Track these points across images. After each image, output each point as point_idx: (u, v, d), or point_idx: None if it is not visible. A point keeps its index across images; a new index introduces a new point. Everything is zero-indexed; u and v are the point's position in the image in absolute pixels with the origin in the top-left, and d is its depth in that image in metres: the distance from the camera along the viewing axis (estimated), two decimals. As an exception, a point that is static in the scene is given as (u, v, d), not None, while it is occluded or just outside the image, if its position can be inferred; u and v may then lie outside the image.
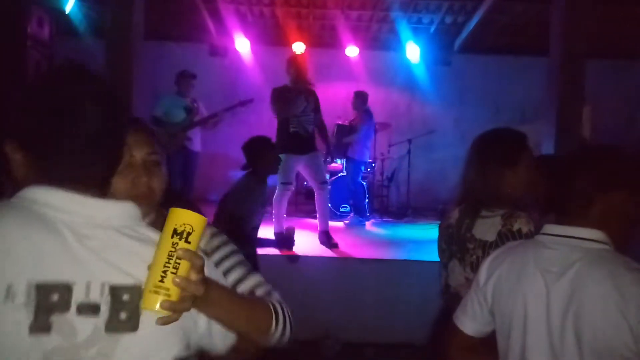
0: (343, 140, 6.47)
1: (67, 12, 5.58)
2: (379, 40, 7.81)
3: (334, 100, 7.63)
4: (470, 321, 1.45)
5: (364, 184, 6.51)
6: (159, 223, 1.03)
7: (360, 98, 6.53)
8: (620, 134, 6.54)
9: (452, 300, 1.85)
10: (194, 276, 0.86)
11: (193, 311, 0.92)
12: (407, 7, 6.90)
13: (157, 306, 0.84)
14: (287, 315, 1.15)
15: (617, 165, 1.33)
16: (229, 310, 1.00)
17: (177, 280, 0.84)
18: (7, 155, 0.90)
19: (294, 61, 5.06)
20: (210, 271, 0.98)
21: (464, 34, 7.46)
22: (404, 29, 7.29)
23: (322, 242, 4.80)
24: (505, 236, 1.75)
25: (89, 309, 0.84)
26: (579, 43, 4.45)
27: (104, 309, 0.85)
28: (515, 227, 1.75)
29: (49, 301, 0.82)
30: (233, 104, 5.98)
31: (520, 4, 6.55)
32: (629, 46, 6.83)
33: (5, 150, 0.90)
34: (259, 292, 1.24)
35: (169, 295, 0.84)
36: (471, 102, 7.76)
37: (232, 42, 7.54)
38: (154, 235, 0.92)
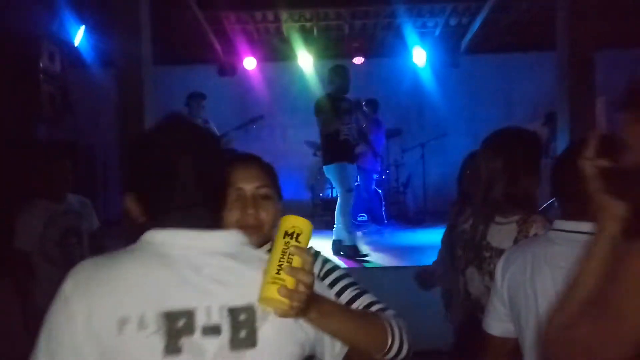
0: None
1: (76, 44, 5.70)
2: (385, 47, 7.83)
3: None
4: (496, 322, 1.46)
5: (380, 191, 6.49)
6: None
7: (370, 106, 6.53)
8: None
9: (473, 307, 1.83)
10: (306, 266, 0.96)
11: (303, 323, 1.01)
12: (411, 12, 6.92)
13: (276, 293, 0.94)
14: (403, 331, 1.17)
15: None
16: (344, 323, 1.07)
17: (290, 269, 0.95)
18: (128, 207, 1.06)
19: (338, 71, 5.08)
20: (322, 290, 1.08)
21: (470, 34, 7.44)
22: (409, 34, 7.30)
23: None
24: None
25: (212, 330, 0.95)
26: (586, 36, 4.41)
27: (225, 329, 0.96)
28: (532, 232, 1.71)
29: (176, 327, 0.94)
30: (244, 122, 6.04)
31: (524, 1, 6.52)
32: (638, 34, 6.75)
33: (127, 203, 1.05)
34: (373, 309, 1.26)
35: (285, 286, 0.94)
36: (482, 102, 7.72)
37: (240, 61, 7.63)
38: (261, 255, 1.04)
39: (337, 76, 5.01)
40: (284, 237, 1.00)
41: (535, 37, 6.97)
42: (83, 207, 3.14)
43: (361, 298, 1.30)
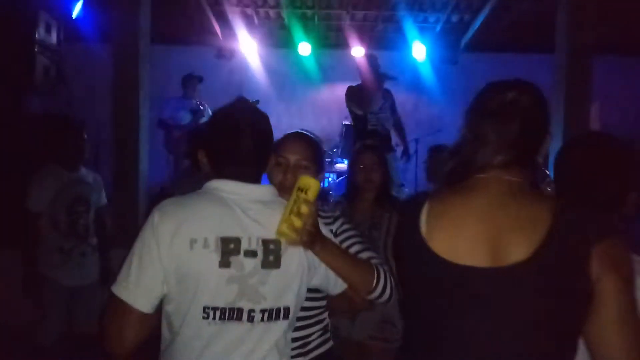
0: (351, 140, 6.46)
1: (74, 17, 5.62)
2: (385, 40, 7.80)
3: (340, 101, 7.62)
4: None
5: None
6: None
7: None
8: (628, 130, 6.48)
9: None
10: (310, 212, 1.35)
11: (315, 259, 1.43)
12: (413, 6, 6.89)
13: (286, 229, 1.33)
14: (389, 278, 1.54)
15: (636, 166, 1.32)
16: (341, 260, 1.47)
17: (298, 213, 1.33)
18: (199, 159, 1.48)
19: (370, 60, 5.05)
20: (329, 235, 1.53)
21: (471, 32, 7.43)
22: (410, 28, 7.28)
23: None
24: None
25: (251, 253, 1.36)
26: (585, 39, 4.42)
27: (259, 254, 1.36)
28: None
29: (228, 248, 1.34)
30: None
31: (526, 2, 6.51)
32: (637, 42, 6.78)
33: (199, 156, 1.48)
34: (372, 261, 1.60)
35: (293, 224, 1.33)
36: (478, 101, 7.73)
37: (239, 44, 7.57)
38: (286, 204, 1.41)
39: (369, 65, 5.01)
40: (297, 191, 1.36)
41: (535, 39, 6.97)
42: (94, 181, 3.23)
43: (364, 252, 1.68)
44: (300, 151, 1.72)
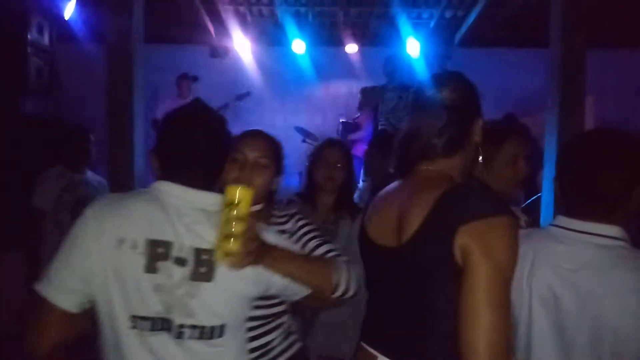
0: (348, 138, 6.46)
1: (66, 18, 5.59)
2: (379, 36, 7.79)
3: (335, 98, 7.62)
4: None
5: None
6: (264, 212, 1.61)
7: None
8: (623, 124, 6.50)
9: None
10: (245, 233, 1.19)
11: (261, 269, 1.29)
12: (407, 2, 6.88)
13: (220, 256, 1.20)
14: (349, 271, 1.44)
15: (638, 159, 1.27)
16: (296, 266, 1.34)
17: (232, 237, 1.18)
18: (151, 163, 1.39)
19: (388, 60, 5.04)
20: (278, 240, 1.38)
21: (464, 28, 7.43)
22: (403, 25, 7.26)
23: None
24: None
25: (181, 261, 1.25)
26: (579, 34, 4.42)
27: (190, 263, 1.25)
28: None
29: (157, 252, 1.24)
30: (230, 99, 6.00)
31: (519, -3, 6.52)
32: (631, 35, 6.79)
33: (151, 161, 1.39)
34: (330, 255, 1.55)
35: (230, 249, 1.18)
36: (473, 96, 7.74)
37: (232, 42, 7.54)
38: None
39: (386, 66, 5.01)
40: (225, 208, 1.20)
41: (529, 34, 6.98)
42: (99, 185, 3.34)
43: (322, 247, 1.62)
44: (261, 148, 1.63)
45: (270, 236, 1.36)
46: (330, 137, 2.78)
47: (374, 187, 3.65)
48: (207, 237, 1.26)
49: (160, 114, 5.96)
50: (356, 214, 2.36)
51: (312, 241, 1.65)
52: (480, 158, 1.71)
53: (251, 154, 1.62)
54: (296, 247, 1.48)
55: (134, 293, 1.23)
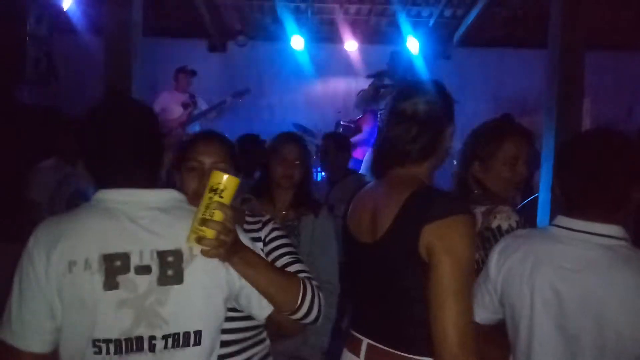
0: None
1: (65, 9, 5.57)
2: (378, 34, 7.78)
3: (333, 95, 7.62)
4: (480, 310, 1.43)
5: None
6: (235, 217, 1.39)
7: None
8: (620, 125, 6.52)
9: None
10: (225, 220, 1.14)
11: (232, 271, 1.22)
12: (406, 0, 6.88)
13: (193, 240, 1.14)
14: (317, 295, 1.34)
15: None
16: (263, 274, 1.25)
17: (209, 222, 1.12)
18: (85, 171, 1.29)
19: (393, 58, 5.07)
20: (251, 246, 1.30)
21: (463, 27, 7.43)
22: (403, 23, 7.25)
23: None
24: (483, 235, 1.69)
25: (144, 270, 1.16)
26: (578, 35, 4.43)
27: (155, 269, 1.17)
28: (494, 224, 1.67)
29: (114, 266, 1.15)
30: (230, 94, 5.99)
31: (519, -3, 6.53)
32: (628, 37, 6.81)
33: (82, 167, 1.23)
34: (300, 276, 1.40)
35: (204, 235, 1.13)
36: (471, 96, 7.74)
37: (231, 38, 7.52)
38: (194, 210, 1.20)
39: (390, 63, 5.04)
40: (209, 192, 1.15)
41: (528, 34, 6.99)
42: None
43: (294, 265, 1.49)
44: (216, 152, 1.52)
45: (244, 239, 1.29)
46: (287, 132, 2.61)
47: None
48: (169, 236, 1.19)
49: (158, 107, 5.94)
50: (318, 209, 2.38)
51: (285, 257, 1.52)
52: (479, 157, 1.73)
53: (207, 160, 1.51)
54: (267, 258, 1.39)
55: (93, 315, 1.13)
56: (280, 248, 1.55)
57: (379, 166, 1.45)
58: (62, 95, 6.05)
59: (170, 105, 5.96)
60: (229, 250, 1.17)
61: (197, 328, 1.19)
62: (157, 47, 6.86)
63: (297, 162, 2.33)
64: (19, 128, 4.18)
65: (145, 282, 1.16)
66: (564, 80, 4.39)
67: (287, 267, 1.48)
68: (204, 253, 1.16)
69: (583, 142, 1.37)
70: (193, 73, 6.19)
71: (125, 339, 1.14)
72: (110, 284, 1.14)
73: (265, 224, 1.63)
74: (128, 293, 1.15)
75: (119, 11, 4.35)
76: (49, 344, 1.16)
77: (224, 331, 1.32)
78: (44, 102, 4.76)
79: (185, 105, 5.99)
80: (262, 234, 1.58)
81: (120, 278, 1.15)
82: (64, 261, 1.14)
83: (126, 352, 1.14)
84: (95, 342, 1.13)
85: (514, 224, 1.66)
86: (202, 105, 6.15)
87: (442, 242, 1.20)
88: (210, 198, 1.14)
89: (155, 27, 6.40)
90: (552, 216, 1.40)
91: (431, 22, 7.52)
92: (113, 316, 1.14)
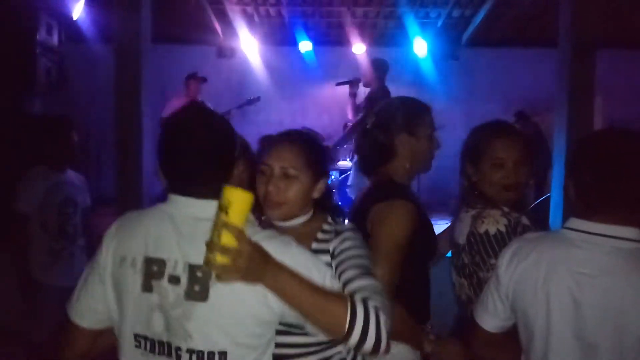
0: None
1: (75, 18, 5.62)
2: (386, 36, 7.78)
3: (342, 98, 7.59)
4: (491, 318, 1.40)
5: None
6: (312, 226, 1.46)
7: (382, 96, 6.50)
8: (632, 124, 6.44)
9: (462, 307, 1.81)
10: (229, 243, 1.03)
11: (262, 289, 1.11)
12: (414, 1, 6.86)
13: (205, 267, 1.07)
14: (373, 318, 1.12)
15: None
16: (299, 296, 1.12)
17: (215, 246, 1.03)
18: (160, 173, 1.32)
19: (380, 65, 5.14)
20: (284, 257, 1.15)
21: (472, 27, 7.40)
22: (411, 24, 7.25)
23: None
24: (471, 239, 1.67)
25: (174, 280, 1.17)
26: (588, 34, 4.39)
27: (184, 281, 1.17)
28: (482, 229, 1.64)
29: (151, 270, 1.19)
30: (241, 103, 6.00)
31: (528, -4, 6.49)
32: (638, 35, 6.75)
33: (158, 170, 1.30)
34: (359, 295, 1.19)
35: (212, 259, 1.03)
36: (481, 96, 7.70)
37: (240, 43, 7.55)
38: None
39: (377, 69, 5.09)
40: (218, 211, 1.06)
41: (537, 33, 6.95)
42: (80, 183, 3.19)
43: (356, 281, 1.25)
44: (287, 157, 1.41)
45: (288, 251, 1.19)
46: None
47: None
48: (203, 250, 1.11)
49: (167, 113, 5.97)
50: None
51: (349, 271, 1.29)
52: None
53: (277, 164, 1.40)
54: (319, 275, 1.21)
55: (135, 311, 1.20)
56: (346, 261, 1.34)
57: (363, 168, 1.89)
58: (74, 104, 6.11)
59: (181, 111, 6.00)
60: (247, 273, 1.07)
61: (221, 349, 1.15)
62: (166, 53, 6.91)
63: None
64: (19, 138, 4.19)
65: (174, 292, 1.17)
66: (575, 80, 4.35)
67: (348, 283, 1.26)
68: (217, 279, 1.10)
69: (599, 141, 1.31)
70: (204, 80, 6.21)
71: (158, 341, 1.19)
72: (146, 286, 1.19)
73: (338, 234, 1.43)
74: (160, 299, 1.18)
75: (128, 19, 4.38)
76: (103, 323, 1.29)
77: (282, 345, 1.30)
78: (55, 111, 4.81)
79: (195, 112, 6.03)
80: (331, 246, 1.40)
81: (155, 283, 1.19)
82: (118, 255, 1.24)
83: (159, 353, 1.19)
84: (135, 336, 1.21)
85: (502, 228, 1.61)
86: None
87: (379, 218, 1.61)
88: (217, 218, 1.05)
89: (164, 34, 6.45)
90: (565, 217, 1.34)
91: (439, 23, 7.50)
92: (148, 317, 1.19)
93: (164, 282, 1.17)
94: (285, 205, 1.41)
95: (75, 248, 3.07)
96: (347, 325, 1.11)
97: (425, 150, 1.83)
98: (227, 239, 1.03)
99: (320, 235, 1.45)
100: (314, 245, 1.42)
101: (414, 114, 1.82)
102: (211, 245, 1.04)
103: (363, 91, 5.30)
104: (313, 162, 1.43)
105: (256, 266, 1.07)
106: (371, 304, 1.15)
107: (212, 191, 1.17)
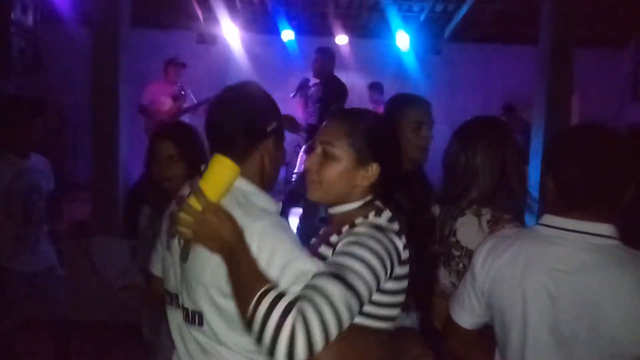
0: None
1: (51, -2, 5.47)
2: (369, 28, 7.75)
3: (323, 88, 7.56)
4: (467, 315, 1.40)
5: None
6: (358, 212, 1.28)
7: (378, 90, 6.49)
8: (609, 123, 6.56)
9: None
10: (189, 204, 1.10)
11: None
12: (398, -6, 6.86)
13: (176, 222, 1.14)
14: (275, 320, 1.01)
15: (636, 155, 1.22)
16: (235, 273, 1.10)
17: (182, 204, 1.13)
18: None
19: (324, 53, 5.10)
20: (252, 229, 1.14)
21: (454, 22, 7.43)
22: (394, 17, 7.24)
23: None
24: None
25: (176, 242, 1.26)
26: (568, 32, 4.45)
27: (180, 243, 1.22)
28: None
29: (169, 229, 1.28)
30: (216, 92, 5.95)
31: (510, -8, 6.53)
32: (617, 35, 6.86)
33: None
34: (303, 292, 1.07)
35: (179, 217, 1.12)
36: (461, 91, 7.76)
37: (221, 29, 7.45)
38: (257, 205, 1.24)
39: (319, 58, 5.07)
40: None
41: (518, 30, 7.01)
42: (44, 167, 3.10)
43: (313, 279, 1.10)
44: (330, 135, 1.29)
45: (264, 229, 1.14)
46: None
47: None
48: None
49: (147, 98, 5.87)
50: None
51: (325, 266, 1.14)
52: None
53: (320, 141, 1.31)
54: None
55: (164, 268, 1.39)
56: (335, 255, 1.18)
57: None
58: (49, 86, 5.96)
59: (160, 97, 5.89)
60: (203, 239, 1.11)
61: (199, 309, 1.20)
62: (145, 37, 6.79)
63: (172, 161, 2.07)
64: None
65: (177, 253, 1.25)
66: (554, 77, 4.41)
67: (312, 278, 1.11)
68: (180, 233, 1.14)
69: (584, 136, 1.29)
70: (183, 65, 6.12)
71: (174, 295, 1.31)
72: (168, 244, 1.32)
73: (352, 227, 1.25)
74: (173, 258, 1.29)
75: (106, 1, 4.29)
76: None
77: None
78: (29, 94, 4.68)
79: (175, 98, 5.93)
80: (339, 239, 1.23)
81: (171, 242, 1.30)
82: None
83: (175, 306, 1.30)
84: (165, 292, 1.36)
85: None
86: (192, 98, 6.10)
87: None
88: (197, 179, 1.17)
89: (144, 17, 6.33)
90: (540, 214, 1.33)
91: (422, 17, 7.51)
92: (168, 273, 1.34)
93: (175, 240, 1.26)
94: (320, 185, 1.29)
95: (40, 233, 3.03)
96: (249, 315, 1.04)
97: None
98: (192, 201, 1.09)
99: (359, 221, 1.27)
100: (333, 238, 1.27)
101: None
102: (181, 205, 1.12)
103: (314, 91, 5.26)
104: (360, 144, 1.28)
105: (213, 234, 1.10)
106: (299, 305, 1.04)
107: (240, 161, 1.19)
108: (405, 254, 1.23)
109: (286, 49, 7.54)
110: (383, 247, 1.16)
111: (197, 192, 1.09)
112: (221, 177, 1.11)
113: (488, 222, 1.65)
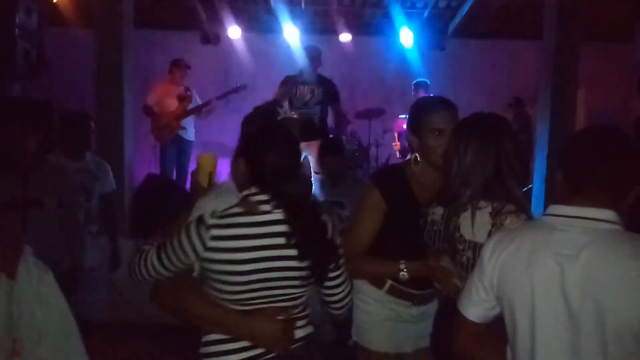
0: None
1: (55, 1, 5.50)
2: (372, 25, 7.74)
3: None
4: (475, 308, 1.42)
5: None
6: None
7: (423, 88, 6.47)
8: (614, 117, 6.52)
9: (446, 299, 1.81)
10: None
11: None
12: (401, -9, 6.84)
13: None
14: (136, 258, 1.65)
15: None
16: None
17: None
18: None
19: (311, 51, 5.09)
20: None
21: (458, 18, 7.40)
22: (397, 14, 7.22)
23: None
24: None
25: None
26: (573, 27, 4.42)
27: None
28: (507, 223, 1.61)
29: None
30: (227, 90, 5.95)
31: (514, -13, 6.50)
32: (622, 29, 6.80)
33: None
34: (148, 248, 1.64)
35: None
36: (465, 87, 7.72)
37: (224, 29, 7.46)
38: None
39: (308, 56, 5.07)
40: None
41: (523, 25, 6.97)
42: (98, 168, 3.27)
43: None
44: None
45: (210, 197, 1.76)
46: None
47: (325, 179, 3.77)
48: None
49: (153, 99, 5.89)
50: None
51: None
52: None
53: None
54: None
55: None
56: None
57: None
58: (54, 88, 5.98)
59: (166, 98, 5.91)
60: None
61: None
62: (149, 38, 6.80)
63: None
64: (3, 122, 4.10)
65: None
66: (559, 71, 4.38)
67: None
68: None
69: (591, 135, 1.36)
70: (187, 67, 6.13)
71: None
72: None
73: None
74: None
75: (109, 2, 4.30)
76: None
77: None
78: (34, 96, 4.71)
79: (180, 99, 5.94)
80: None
81: None
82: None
83: None
84: None
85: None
86: (197, 99, 6.11)
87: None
88: None
89: (148, 18, 6.34)
90: (546, 206, 1.37)
91: (425, 13, 7.48)
92: None
93: None
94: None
95: (84, 234, 3.08)
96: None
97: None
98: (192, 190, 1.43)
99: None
100: None
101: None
102: None
103: (309, 92, 5.22)
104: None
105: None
106: (145, 252, 1.63)
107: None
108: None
109: (290, 48, 7.54)
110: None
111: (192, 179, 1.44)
112: (201, 170, 1.48)
113: (490, 213, 1.65)
